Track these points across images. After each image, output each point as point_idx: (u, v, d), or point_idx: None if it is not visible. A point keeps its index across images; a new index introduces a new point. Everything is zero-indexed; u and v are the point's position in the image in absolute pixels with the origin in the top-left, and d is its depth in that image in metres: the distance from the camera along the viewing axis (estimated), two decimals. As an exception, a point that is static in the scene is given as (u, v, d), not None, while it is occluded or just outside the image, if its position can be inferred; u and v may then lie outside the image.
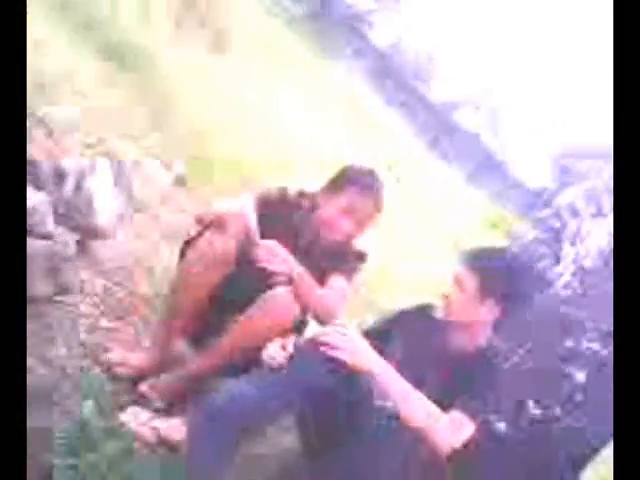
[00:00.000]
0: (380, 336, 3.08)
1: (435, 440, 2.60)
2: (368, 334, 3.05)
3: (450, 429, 2.62)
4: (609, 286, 3.03)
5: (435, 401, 2.66)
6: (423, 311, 3.14)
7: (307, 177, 3.43)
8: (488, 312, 2.86)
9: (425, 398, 2.66)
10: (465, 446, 2.66)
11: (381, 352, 2.82)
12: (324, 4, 23.75)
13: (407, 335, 3.06)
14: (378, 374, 2.68)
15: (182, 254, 3.24)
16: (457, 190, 16.68)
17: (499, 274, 2.87)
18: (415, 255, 9.11)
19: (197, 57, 8.84)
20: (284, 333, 2.98)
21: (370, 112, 16.59)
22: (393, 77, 24.84)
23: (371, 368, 2.68)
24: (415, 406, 2.64)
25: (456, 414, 2.66)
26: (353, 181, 3.32)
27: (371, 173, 3.39)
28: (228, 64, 9.73)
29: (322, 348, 2.67)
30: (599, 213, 3.24)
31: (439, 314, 2.99)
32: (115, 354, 3.24)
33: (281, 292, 3.02)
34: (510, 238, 3.53)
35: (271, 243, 3.11)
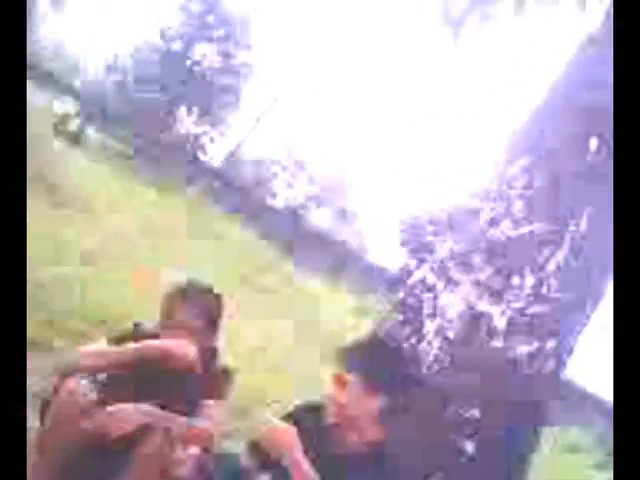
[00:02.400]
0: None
1: None
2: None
3: None
4: (476, 351, 3.10)
5: None
6: (314, 411, 3.13)
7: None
8: (372, 406, 2.88)
9: None
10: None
11: None
12: (154, 138, 23.95)
13: (302, 433, 3.04)
14: None
15: (42, 417, 3.12)
16: (321, 288, 16.83)
17: (379, 367, 2.91)
18: (295, 359, 9.06)
19: (36, 211, 8.67)
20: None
21: (215, 227, 16.65)
22: (234, 190, 25.11)
23: None
24: None
25: None
26: (186, 299, 3.35)
27: (205, 288, 3.45)
28: (67, 215, 9.61)
29: None
30: (450, 282, 3.33)
31: (327, 417, 2.98)
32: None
33: (154, 439, 2.96)
34: (378, 325, 3.59)
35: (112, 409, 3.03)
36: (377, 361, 2.95)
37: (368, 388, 2.89)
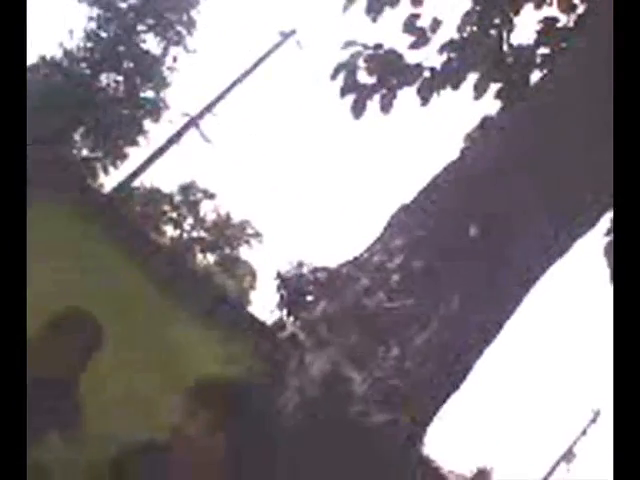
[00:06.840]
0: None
1: None
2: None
3: None
4: (332, 413, 3.14)
5: None
6: (148, 449, 3.02)
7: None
8: (217, 449, 2.78)
9: None
10: None
11: None
12: (42, 158, 23.33)
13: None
14: None
15: None
16: (192, 332, 16.66)
17: (231, 409, 2.83)
18: (157, 406, 8.90)
19: None
20: None
21: (94, 255, 16.33)
22: (119, 221, 24.63)
23: None
24: None
25: None
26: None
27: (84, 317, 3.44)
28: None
29: None
30: (318, 342, 3.38)
31: (166, 448, 2.86)
32: None
33: None
34: (242, 374, 3.59)
35: None
36: (230, 405, 2.87)
37: (215, 428, 2.79)
